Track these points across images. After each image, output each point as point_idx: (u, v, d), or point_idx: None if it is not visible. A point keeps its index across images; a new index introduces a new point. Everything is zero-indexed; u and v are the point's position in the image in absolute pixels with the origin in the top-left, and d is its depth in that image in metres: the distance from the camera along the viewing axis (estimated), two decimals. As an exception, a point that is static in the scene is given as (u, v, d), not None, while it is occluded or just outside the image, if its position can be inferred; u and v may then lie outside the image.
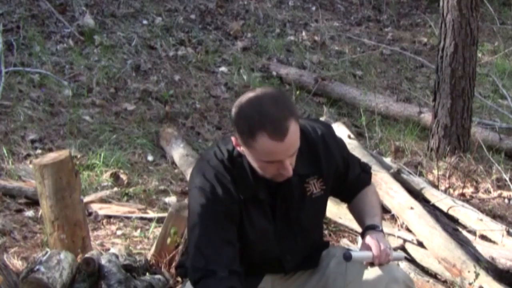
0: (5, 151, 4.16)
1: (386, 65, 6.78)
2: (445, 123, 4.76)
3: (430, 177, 4.25)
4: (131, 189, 3.96)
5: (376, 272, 2.01)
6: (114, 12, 6.49)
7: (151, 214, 3.62)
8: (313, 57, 6.57)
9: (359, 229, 3.42)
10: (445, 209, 3.54)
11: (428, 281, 2.97)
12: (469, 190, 4.21)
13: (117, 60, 5.74)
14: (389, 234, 3.31)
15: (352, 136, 4.19)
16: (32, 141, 4.43)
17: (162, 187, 4.01)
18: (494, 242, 3.24)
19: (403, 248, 3.27)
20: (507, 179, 4.26)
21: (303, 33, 7.06)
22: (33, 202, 3.57)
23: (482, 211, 3.67)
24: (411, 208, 3.36)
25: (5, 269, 2.61)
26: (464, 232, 3.35)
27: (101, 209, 3.65)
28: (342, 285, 2.04)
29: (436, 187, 3.94)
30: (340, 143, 2.15)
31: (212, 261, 1.89)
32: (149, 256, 2.97)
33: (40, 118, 4.74)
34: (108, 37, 6.06)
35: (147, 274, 2.86)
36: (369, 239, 1.99)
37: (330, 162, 2.06)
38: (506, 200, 4.10)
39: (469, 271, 2.86)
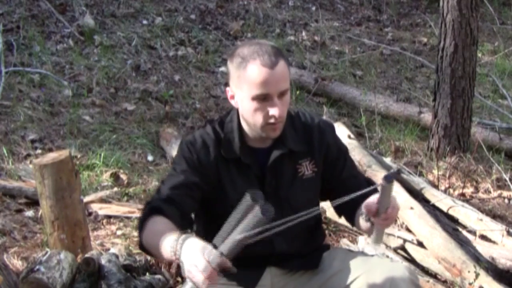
0: (5, 151, 4.16)
1: (386, 65, 6.78)
2: (445, 123, 4.76)
3: (430, 177, 4.25)
4: (131, 189, 3.96)
5: (381, 270, 2.00)
6: (114, 12, 6.49)
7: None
8: (313, 57, 6.57)
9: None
10: (445, 209, 3.54)
11: (428, 281, 2.97)
12: (469, 190, 4.21)
13: (117, 60, 5.75)
14: (389, 234, 3.31)
15: (352, 136, 4.20)
16: (32, 141, 4.43)
17: (162, 187, 4.01)
18: (494, 242, 3.24)
19: (403, 248, 3.27)
20: (507, 179, 4.26)
21: (303, 33, 7.06)
22: (33, 202, 3.57)
23: (482, 211, 3.67)
24: (411, 208, 3.35)
25: (5, 269, 2.61)
26: (464, 232, 3.35)
27: (101, 209, 3.65)
28: (345, 285, 2.03)
29: (436, 187, 3.95)
30: (337, 136, 2.17)
31: (162, 197, 1.97)
32: (149, 256, 2.97)
33: (40, 118, 4.74)
34: (108, 37, 6.06)
35: (147, 274, 2.86)
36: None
37: (322, 145, 2.09)
38: (506, 200, 4.10)
39: (469, 271, 2.86)
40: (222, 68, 6.06)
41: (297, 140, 2.06)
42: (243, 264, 2.07)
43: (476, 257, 3.09)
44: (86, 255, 2.75)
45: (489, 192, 4.23)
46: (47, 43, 5.79)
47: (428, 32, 7.64)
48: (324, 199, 2.21)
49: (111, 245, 3.27)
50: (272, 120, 1.95)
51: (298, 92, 5.64)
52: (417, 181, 3.79)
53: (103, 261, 2.74)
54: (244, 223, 1.67)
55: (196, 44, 6.36)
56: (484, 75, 6.55)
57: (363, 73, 6.47)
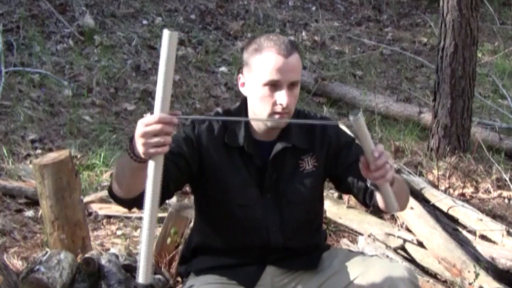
0: (5, 151, 4.16)
1: (386, 65, 6.78)
2: (445, 123, 4.76)
3: (430, 177, 4.25)
4: (131, 189, 3.95)
5: (381, 270, 2.00)
6: (114, 12, 6.49)
7: (151, 214, 3.61)
8: (313, 57, 6.57)
9: (359, 229, 3.46)
10: (445, 209, 3.54)
11: (428, 281, 2.97)
12: (469, 190, 4.21)
13: (117, 60, 5.75)
14: (389, 234, 3.31)
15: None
16: (32, 141, 4.43)
17: (162, 187, 4.01)
18: (494, 242, 3.25)
19: (403, 248, 3.27)
20: (507, 179, 4.26)
21: (303, 33, 7.07)
22: (33, 202, 3.57)
23: (482, 211, 3.67)
24: (411, 208, 3.35)
25: (5, 269, 2.61)
26: (464, 232, 3.35)
27: (101, 209, 3.65)
28: (345, 285, 2.03)
29: (436, 187, 3.95)
30: (340, 130, 2.17)
31: None
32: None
33: (40, 118, 4.74)
34: (108, 37, 6.06)
35: (147, 274, 2.85)
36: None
37: (324, 141, 2.10)
38: (506, 200, 4.10)
39: (469, 271, 2.86)
40: (222, 68, 6.06)
41: (301, 136, 2.08)
42: (242, 262, 2.08)
43: (476, 257, 3.09)
44: (86, 255, 2.75)
45: (489, 192, 4.23)
46: (47, 43, 5.79)
47: (428, 32, 7.65)
48: (344, 191, 2.22)
49: (111, 245, 3.27)
50: (279, 109, 1.96)
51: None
52: (417, 181, 3.79)
53: (103, 261, 2.74)
54: (160, 79, 1.59)
55: (196, 44, 6.36)
56: (484, 75, 6.55)
57: (363, 73, 6.47)
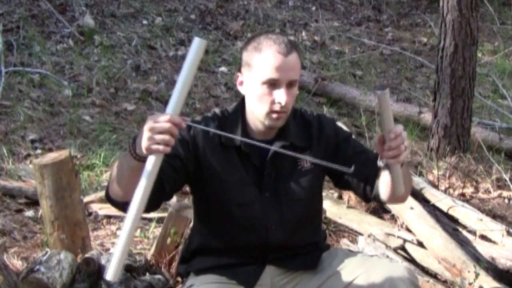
0: (5, 151, 4.16)
1: (386, 65, 6.78)
2: (445, 123, 4.76)
3: (430, 177, 4.25)
4: (131, 189, 3.95)
5: (381, 270, 2.00)
6: (114, 12, 6.49)
7: (151, 214, 3.62)
8: (313, 57, 6.57)
9: (359, 229, 3.45)
10: (445, 209, 3.54)
11: (428, 281, 2.97)
12: (469, 190, 4.21)
13: (117, 60, 5.75)
14: (389, 234, 3.31)
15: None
16: (32, 141, 4.43)
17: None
18: (494, 242, 3.25)
19: (403, 248, 3.27)
20: (507, 179, 4.26)
21: (303, 33, 7.07)
22: (33, 202, 3.57)
23: (482, 211, 3.67)
24: (411, 208, 3.36)
25: (5, 269, 2.61)
26: (464, 232, 3.35)
27: (101, 209, 3.65)
28: (345, 285, 2.03)
29: (436, 187, 3.95)
30: (337, 127, 2.17)
31: None
32: (149, 256, 2.97)
33: (40, 118, 4.74)
34: (108, 37, 6.06)
35: (147, 274, 2.86)
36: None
37: (321, 138, 2.11)
38: (506, 200, 4.10)
39: (469, 271, 2.86)
40: (222, 68, 6.06)
41: (299, 134, 2.08)
42: (242, 262, 2.08)
43: (476, 257, 3.09)
44: (86, 255, 2.75)
45: (489, 192, 4.23)
46: (47, 43, 5.79)
47: (428, 32, 7.65)
48: (343, 187, 2.21)
49: (111, 245, 3.27)
50: (277, 108, 1.96)
51: (298, 92, 5.63)
52: (417, 181, 3.79)
53: (103, 261, 2.74)
54: (179, 82, 1.67)
55: (196, 44, 6.35)
56: (484, 75, 6.56)
57: (363, 73, 6.47)
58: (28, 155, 4.24)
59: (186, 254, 2.21)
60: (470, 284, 2.83)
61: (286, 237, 2.09)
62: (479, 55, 6.40)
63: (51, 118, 4.80)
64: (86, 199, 3.57)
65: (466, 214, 3.45)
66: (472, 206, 3.62)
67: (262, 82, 1.96)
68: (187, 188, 2.21)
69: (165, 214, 3.07)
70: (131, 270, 2.79)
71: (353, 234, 3.50)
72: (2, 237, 3.26)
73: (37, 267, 2.56)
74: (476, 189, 4.26)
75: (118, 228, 3.50)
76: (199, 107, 5.30)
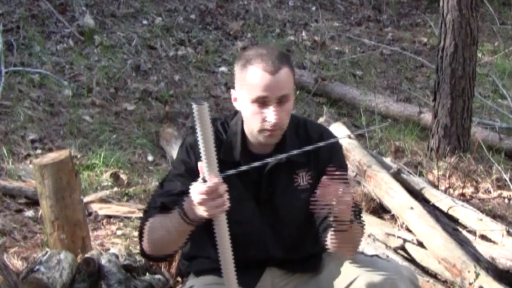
0: (5, 151, 4.16)
1: (386, 65, 6.78)
2: (445, 123, 4.76)
3: (430, 177, 4.25)
4: (131, 189, 3.96)
5: (381, 270, 2.00)
6: (114, 12, 6.49)
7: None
8: (313, 57, 6.57)
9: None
10: (445, 209, 3.54)
11: (428, 281, 2.97)
12: (469, 190, 4.21)
13: (117, 60, 5.75)
14: (389, 234, 3.31)
15: (352, 136, 4.19)
16: (32, 141, 4.43)
17: (161, 187, 4.01)
18: (494, 242, 3.25)
19: (403, 248, 3.27)
20: (507, 179, 4.26)
21: (303, 33, 7.06)
22: (33, 202, 3.57)
23: (482, 211, 3.67)
24: (411, 208, 3.36)
25: (5, 269, 2.61)
26: (464, 232, 3.35)
27: (101, 209, 3.65)
28: (345, 285, 2.03)
29: (436, 187, 3.95)
30: (339, 154, 2.13)
31: (157, 205, 2.00)
32: (154, 261, 2.97)
33: (40, 118, 4.74)
34: (108, 37, 6.06)
35: (147, 274, 2.86)
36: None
37: (318, 155, 2.05)
38: (506, 200, 4.10)
39: (469, 271, 2.86)
40: (222, 68, 6.06)
41: (297, 149, 1.98)
42: (243, 265, 2.08)
43: (476, 257, 3.09)
44: (86, 255, 2.75)
45: (489, 192, 4.23)
46: (47, 43, 5.79)
47: (428, 32, 7.64)
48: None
49: (111, 245, 3.27)
50: (268, 126, 1.94)
51: (298, 92, 5.64)
52: (417, 181, 3.79)
53: (103, 261, 2.74)
54: (202, 148, 1.69)
55: (196, 44, 6.36)
56: (484, 75, 6.55)
57: (363, 73, 6.46)
58: (28, 155, 4.24)
59: (186, 255, 2.21)
60: (470, 284, 2.83)
61: (285, 252, 2.09)
62: (479, 55, 6.39)
63: (51, 118, 4.80)
64: (86, 199, 3.58)
65: (466, 214, 3.45)
66: (472, 206, 3.61)
67: (251, 101, 1.93)
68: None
69: (165, 214, 3.06)
70: (131, 270, 2.80)
71: (353, 234, 3.49)
72: (2, 237, 3.26)
73: (37, 267, 2.56)
74: (476, 189, 4.26)
75: (118, 228, 3.50)
76: (199, 107, 5.29)
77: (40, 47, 5.65)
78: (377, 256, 2.41)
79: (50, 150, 4.21)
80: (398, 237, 3.27)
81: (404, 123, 5.35)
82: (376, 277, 1.98)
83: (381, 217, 3.60)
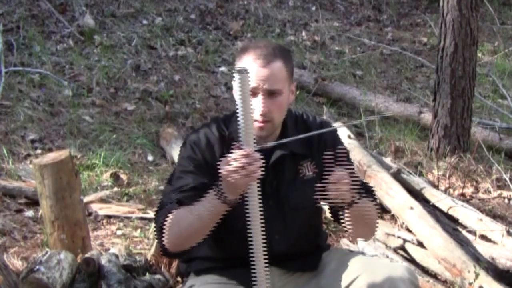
0: (5, 151, 4.16)
1: (386, 65, 6.78)
2: (445, 123, 4.76)
3: (430, 177, 4.25)
4: (131, 189, 3.96)
5: (381, 270, 2.00)
6: (114, 12, 6.49)
7: (151, 214, 3.62)
8: (313, 57, 6.57)
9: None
10: (445, 209, 3.54)
11: (428, 281, 2.98)
12: (469, 190, 4.21)
13: (117, 60, 5.75)
14: (389, 234, 3.31)
15: (352, 136, 4.20)
16: (32, 141, 4.43)
17: (162, 187, 4.01)
18: (494, 242, 3.25)
19: (403, 248, 3.27)
20: (507, 179, 4.26)
21: (303, 33, 7.06)
22: (33, 202, 3.57)
23: (482, 211, 3.67)
24: (411, 208, 3.36)
25: (5, 269, 2.61)
26: (464, 232, 3.35)
27: (101, 209, 3.65)
28: (345, 285, 2.03)
29: (436, 187, 3.95)
30: (338, 139, 2.16)
31: (173, 200, 1.99)
32: (149, 256, 2.97)
33: (40, 118, 4.74)
34: (108, 37, 6.06)
35: (147, 274, 2.86)
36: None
37: (320, 145, 2.08)
38: (506, 200, 4.10)
39: (469, 271, 2.86)
40: (222, 68, 6.06)
41: (299, 141, 2.03)
42: (243, 264, 2.08)
43: (476, 257, 3.09)
44: (86, 255, 2.75)
45: (489, 192, 4.23)
46: (47, 43, 5.79)
47: (428, 32, 7.64)
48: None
49: (111, 245, 3.27)
50: (256, 116, 1.95)
51: (298, 92, 5.63)
52: (417, 181, 3.79)
53: (103, 261, 2.74)
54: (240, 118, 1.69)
55: (196, 44, 6.36)
56: (484, 75, 6.55)
57: (363, 73, 6.46)
58: (28, 155, 4.24)
59: (185, 257, 2.21)
60: (470, 284, 2.83)
61: (289, 246, 2.09)
62: (479, 55, 6.39)
63: (51, 118, 4.80)
64: (86, 199, 3.57)
65: (466, 214, 3.45)
66: (472, 206, 3.61)
67: None
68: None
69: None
70: (131, 270, 2.80)
71: (353, 234, 3.50)
72: (2, 237, 3.26)
73: (37, 267, 2.56)
74: (476, 189, 4.26)
75: (118, 228, 3.50)
76: (199, 107, 5.30)
77: (40, 47, 5.65)
78: (377, 256, 2.42)
79: (50, 150, 4.21)
80: (398, 237, 3.27)
81: (404, 123, 5.34)
82: (376, 277, 1.98)
83: (381, 217, 3.60)
